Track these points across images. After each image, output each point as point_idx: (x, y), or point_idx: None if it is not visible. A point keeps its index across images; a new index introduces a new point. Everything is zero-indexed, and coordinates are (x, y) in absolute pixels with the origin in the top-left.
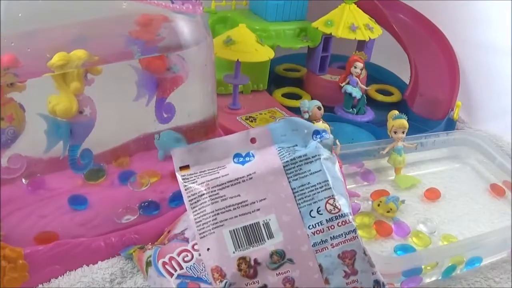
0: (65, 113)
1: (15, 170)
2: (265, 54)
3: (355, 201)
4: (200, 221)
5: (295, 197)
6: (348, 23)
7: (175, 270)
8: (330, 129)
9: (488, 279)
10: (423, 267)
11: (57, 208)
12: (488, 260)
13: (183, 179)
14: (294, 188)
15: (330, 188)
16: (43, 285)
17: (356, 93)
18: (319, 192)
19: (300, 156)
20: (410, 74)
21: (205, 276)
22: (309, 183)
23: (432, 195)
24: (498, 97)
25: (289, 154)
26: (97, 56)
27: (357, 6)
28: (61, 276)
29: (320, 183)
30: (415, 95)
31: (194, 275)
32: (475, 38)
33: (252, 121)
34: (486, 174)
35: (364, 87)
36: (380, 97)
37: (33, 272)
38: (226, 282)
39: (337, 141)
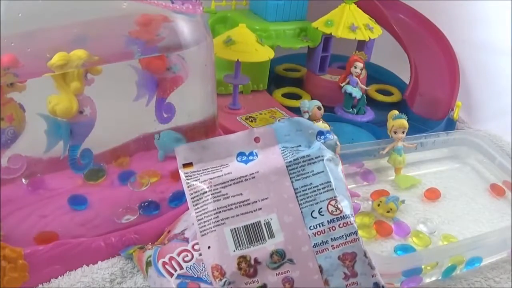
0: (65, 113)
1: (15, 170)
2: (265, 54)
3: (355, 201)
4: (202, 218)
5: (297, 197)
6: (348, 23)
7: (175, 270)
8: (330, 129)
9: (488, 279)
10: (423, 267)
11: (57, 208)
12: (488, 260)
13: (186, 176)
14: (297, 189)
15: (333, 189)
16: (43, 285)
17: (356, 93)
18: (321, 193)
19: (303, 157)
20: (410, 74)
21: (205, 276)
22: (311, 183)
23: (432, 195)
24: (498, 97)
25: (292, 154)
26: (97, 56)
27: (357, 6)
28: (61, 276)
29: (322, 184)
30: (415, 95)
31: (194, 275)
32: (475, 38)
33: (252, 121)
34: (486, 174)
35: (364, 87)
36: (380, 97)
37: (33, 272)
38: (226, 280)
39: (337, 141)
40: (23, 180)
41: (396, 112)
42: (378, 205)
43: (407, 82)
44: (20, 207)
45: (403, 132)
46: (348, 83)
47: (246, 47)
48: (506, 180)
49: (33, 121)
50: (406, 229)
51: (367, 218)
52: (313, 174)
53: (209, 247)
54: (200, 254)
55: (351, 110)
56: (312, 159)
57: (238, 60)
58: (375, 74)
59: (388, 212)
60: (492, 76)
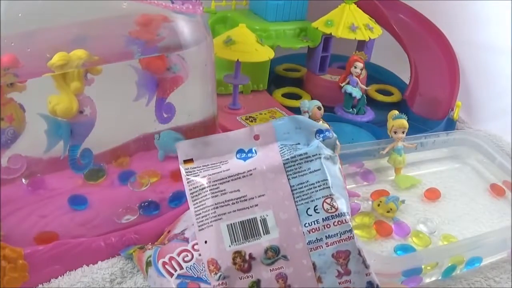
0: (66, 113)
1: (15, 170)
2: (265, 54)
3: (355, 201)
4: (200, 213)
5: (293, 194)
6: (348, 23)
7: (175, 270)
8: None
9: (488, 279)
10: (423, 267)
11: (57, 208)
12: (488, 260)
13: (186, 172)
14: (293, 186)
15: (329, 187)
16: (43, 285)
17: (356, 93)
18: (317, 190)
19: (300, 154)
20: (410, 74)
21: (205, 276)
22: (308, 181)
23: (432, 195)
24: (498, 97)
25: (290, 152)
26: (97, 56)
27: (357, 6)
28: (61, 276)
29: (318, 181)
30: (415, 95)
31: (194, 275)
32: (475, 38)
33: (252, 121)
34: (486, 174)
35: (364, 87)
36: (380, 97)
37: (33, 272)
38: (221, 275)
39: (337, 141)
40: (23, 180)
41: (396, 112)
42: (378, 205)
43: (407, 82)
44: (20, 207)
45: (403, 132)
46: (348, 83)
47: (246, 47)
48: (506, 180)
49: (33, 121)
50: (406, 229)
51: (367, 218)
52: (310, 172)
53: (206, 242)
54: (200, 254)
55: (351, 110)
56: (309, 157)
57: (238, 60)
58: (375, 74)
59: (388, 212)
60: (492, 76)
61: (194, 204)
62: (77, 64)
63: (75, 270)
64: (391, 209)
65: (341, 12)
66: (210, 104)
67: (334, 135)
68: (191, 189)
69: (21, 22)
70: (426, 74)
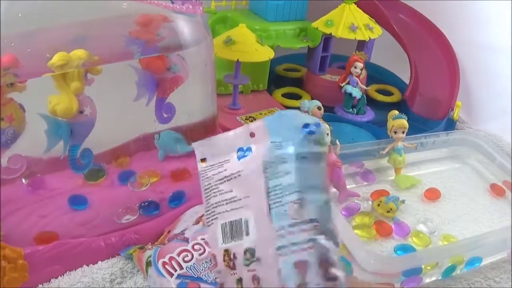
0: (66, 113)
1: (15, 170)
2: (265, 54)
3: (355, 201)
4: (207, 211)
5: (269, 197)
6: (348, 23)
7: (175, 270)
8: (330, 129)
9: (488, 279)
10: (423, 267)
11: (57, 208)
12: (488, 260)
13: (201, 171)
14: (269, 188)
15: (298, 191)
16: (43, 285)
17: (356, 93)
18: (287, 194)
19: (278, 155)
20: (410, 74)
21: (205, 276)
22: (281, 184)
23: (432, 195)
24: (498, 97)
25: (272, 151)
26: (97, 56)
27: (357, 6)
28: (61, 276)
29: (289, 184)
30: (415, 95)
31: (194, 275)
32: (475, 38)
33: (252, 121)
34: (486, 174)
35: (364, 87)
36: (380, 97)
37: (33, 272)
38: (217, 269)
39: (337, 141)
40: (23, 180)
41: (396, 112)
42: (378, 205)
43: (407, 82)
44: (20, 207)
45: (403, 132)
46: (348, 83)
47: (246, 47)
48: (506, 180)
49: (33, 121)
50: (406, 229)
51: (367, 218)
52: (285, 174)
53: (210, 238)
54: (200, 254)
55: (351, 110)
56: (284, 157)
57: (238, 60)
58: (375, 74)
59: (388, 212)
60: (492, 76)
61: (205, 202)
62: (77, 64)
63: (75, 270)
64: (391, 209)
65: (341, 12)
66: (210, 104)
67: (322, 128)
68: (204, 187)
69: (21, 22)
70: (426, 74)
